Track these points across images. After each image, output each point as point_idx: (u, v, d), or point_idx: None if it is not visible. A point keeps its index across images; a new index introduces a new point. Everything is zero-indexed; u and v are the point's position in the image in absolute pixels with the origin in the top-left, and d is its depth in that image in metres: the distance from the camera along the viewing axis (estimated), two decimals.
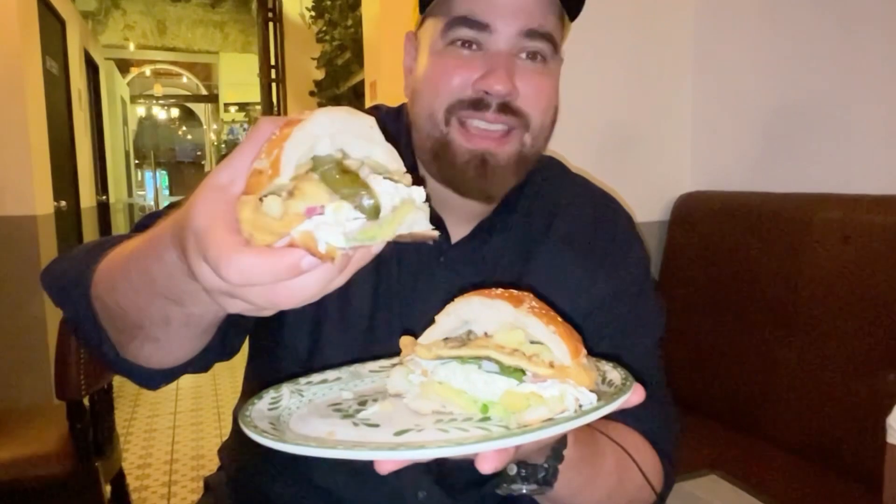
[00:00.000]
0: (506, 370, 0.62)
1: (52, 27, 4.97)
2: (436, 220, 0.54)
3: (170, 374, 0.79)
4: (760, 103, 2.37)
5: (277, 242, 0.46)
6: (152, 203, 14.55)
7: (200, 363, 0.79)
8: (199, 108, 17.22)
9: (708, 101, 2.58)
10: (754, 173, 2.37)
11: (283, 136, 0.48)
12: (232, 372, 4.77)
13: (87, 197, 6.10)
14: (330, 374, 0.78)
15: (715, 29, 2.54)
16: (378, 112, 1.07)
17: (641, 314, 1.04)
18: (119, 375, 0.82)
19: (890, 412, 1.04)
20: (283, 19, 6.76)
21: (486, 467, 0.54)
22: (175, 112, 18.41)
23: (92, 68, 7.19)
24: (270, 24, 6.75)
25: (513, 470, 0.74)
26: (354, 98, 5.29)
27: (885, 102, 1.98)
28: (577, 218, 1.05)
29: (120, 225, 8.76)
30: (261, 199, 0.47)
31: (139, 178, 15.45)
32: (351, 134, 0.52)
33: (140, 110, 16.59)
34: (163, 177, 18.07)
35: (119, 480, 2.42)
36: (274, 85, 6.69)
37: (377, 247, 0.51)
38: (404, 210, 0.51)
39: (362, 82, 4.32)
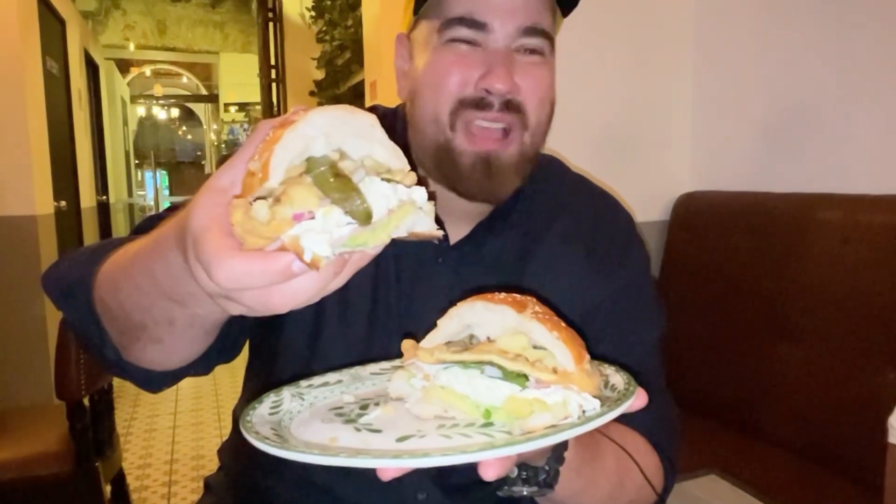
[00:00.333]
0: (509, 375, 0.61)
1: (52, 27, 4.97)
2: (435, 221, 0.54)
3: (172, 377, 0.79)
4: (760, 103, 2.37)
5: (269, 246, 0.46)
6: (152, 203, 14.53)
7: (202, 365, 0.79)
8: (199, 108, 17.21)
9: (708, 101, 2.58)
10: (754, 173, 2.37)
11: (275, 137, 0.48)
12: (232, 372, 4.77)
13: (87, 197, 6.10)
14: (331, 377, 0.77)
15: (715, 29, 2.54)
16: (376, 113, 1.07)
17: (641, 314, 1.04)
18: (120, 378, 0.82)
19: (891, 412, 1.03)
20: (284, 19, 6.76)
21: (489, 474, 0.54)
22: (175, 112, 18.40)
23: (92, 68, 7.19)
24: (270, 24, 6.75)
25: (514, 472, 0.74)
26: (354, 98, 5.29)
27: (885, 102, 1.98)
28: (577, 218, 1.05)
29: (120, 225, 8.76)
30: (252, 203, 0.47)
31: (139, 178, 15.44)
32: (349, 133, 0.51)
33: (140, 110, 16.58)
34: (163, 177, 18.04)
35: (119, 480, 2.42)
36: (274, 85, 6.69)
37: (375, 249, 0.50)
38: (402, 212, 0.50)
39: (362, 82, 4.32)
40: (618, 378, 0.66)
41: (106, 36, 9.55)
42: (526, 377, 0.61)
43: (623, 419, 0.95)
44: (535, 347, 0.62)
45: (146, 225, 0.86)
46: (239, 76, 11.74)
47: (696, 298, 2.34)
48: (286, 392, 0.72)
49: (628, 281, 1.04)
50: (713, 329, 2.26)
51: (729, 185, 2.45)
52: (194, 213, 0.50)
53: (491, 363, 0.62)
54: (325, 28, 5.64)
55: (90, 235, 6.02)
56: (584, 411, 0.59)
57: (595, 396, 0.60)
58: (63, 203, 4.66)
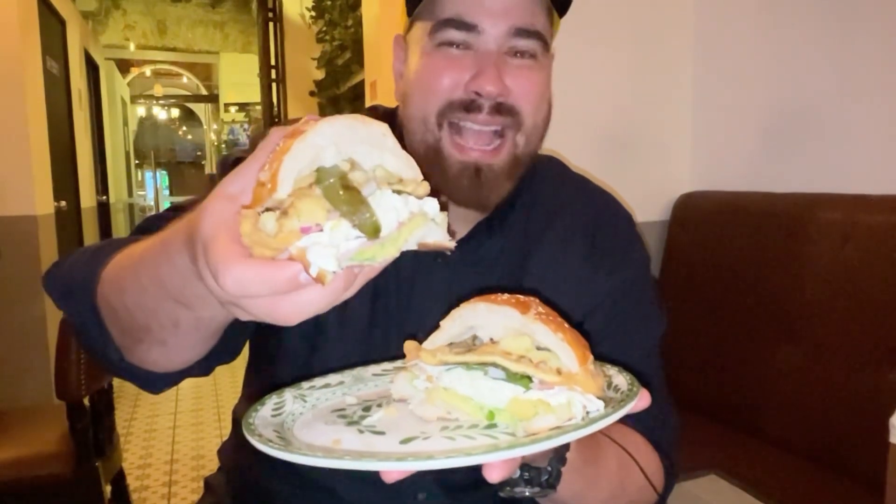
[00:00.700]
0: (512, 377, 0.61)
1: (52, 27, 4.96)
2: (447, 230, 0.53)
3: (173, 378, 0.79)
4: (760, 103, 2.37)
5: (279, 255, 0.46)
6: (152, 203, 14.53)
7: (204, 366, 0.79)
8: (200, 109, 17.19)
9: (708, 101, 2.58)
10: (754, 173, 2.37)
11: (285, 147, 0.48)
12: (232, 372, 4.76)
13: (88, 197, 6.10)
14: (333, 378, 0.77)
15: (715, 29, 2.54)
16: (375, 113, 1.07)
17: (641, 314, 1.04)
18: (122, 379, 0.81)
19: (892, 411, 1.03)
20: (284, 19, 6.75)
21: (493, 476, 0.54)
22: (175, 112, 18.37)
23: (92, 68, 7.18)
24: (270, 24, 6.74)
25: (516, 473, 0.74)
26: (354, 98, 5.29)
27: (885, 102, 1.98)
28: (577, 218, 1.05)
29: (120, 225, 8.76)
30: (260, 214, 0.47)
31: (139, 178, 15.42)
32: (359, 142, 0.50)
33: (140, 110, 16.56)
34: (163, 177, 18.02)
35: (119, 480, 2.42)
36: (274, 85, 6.68)
37: (383, 262, 0.50)
38: (413, 225, 0.50)
39: (362, 82, 4.32)
40: (621, 379, 0.66)
41: (106, 36, 9.54)
42: (530, 378, 0.61)
43: (624, 419, 0.94)
44: (538, 349, 0.62)
45: (147, 225, 0.86)
46: (239, 76, 11.73)
47: (696, 298, 2.34)
48: (288, 394, 0.72)
49: (628, 281, 1.03)
50: (713, 329, 2.26)
51: (729, 185, 2.45)
52: (204, 219, 0.50)
53: (494, 364, 0.62)
54: (325, 28, 5.63)
55: (90, 235, 6.02)
56: (587, 412, 0.59)
57: (598, 397, 0.60)
58: (63, 203, 4.66)
